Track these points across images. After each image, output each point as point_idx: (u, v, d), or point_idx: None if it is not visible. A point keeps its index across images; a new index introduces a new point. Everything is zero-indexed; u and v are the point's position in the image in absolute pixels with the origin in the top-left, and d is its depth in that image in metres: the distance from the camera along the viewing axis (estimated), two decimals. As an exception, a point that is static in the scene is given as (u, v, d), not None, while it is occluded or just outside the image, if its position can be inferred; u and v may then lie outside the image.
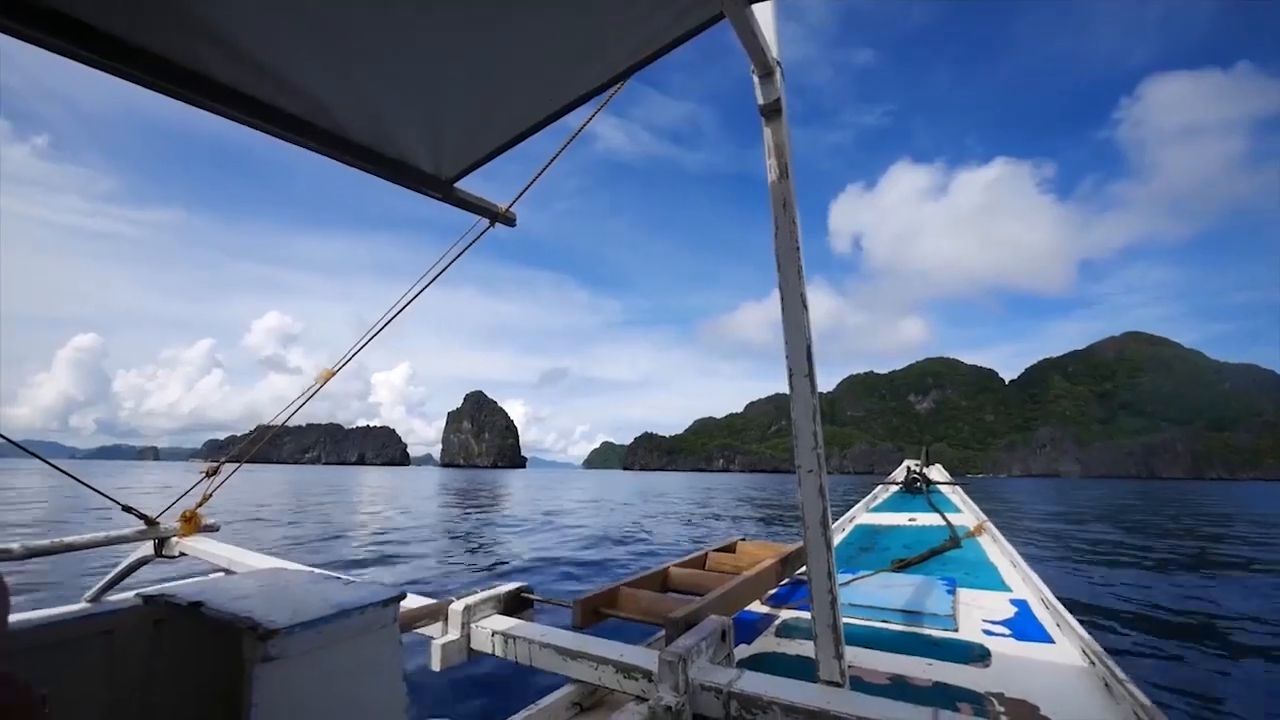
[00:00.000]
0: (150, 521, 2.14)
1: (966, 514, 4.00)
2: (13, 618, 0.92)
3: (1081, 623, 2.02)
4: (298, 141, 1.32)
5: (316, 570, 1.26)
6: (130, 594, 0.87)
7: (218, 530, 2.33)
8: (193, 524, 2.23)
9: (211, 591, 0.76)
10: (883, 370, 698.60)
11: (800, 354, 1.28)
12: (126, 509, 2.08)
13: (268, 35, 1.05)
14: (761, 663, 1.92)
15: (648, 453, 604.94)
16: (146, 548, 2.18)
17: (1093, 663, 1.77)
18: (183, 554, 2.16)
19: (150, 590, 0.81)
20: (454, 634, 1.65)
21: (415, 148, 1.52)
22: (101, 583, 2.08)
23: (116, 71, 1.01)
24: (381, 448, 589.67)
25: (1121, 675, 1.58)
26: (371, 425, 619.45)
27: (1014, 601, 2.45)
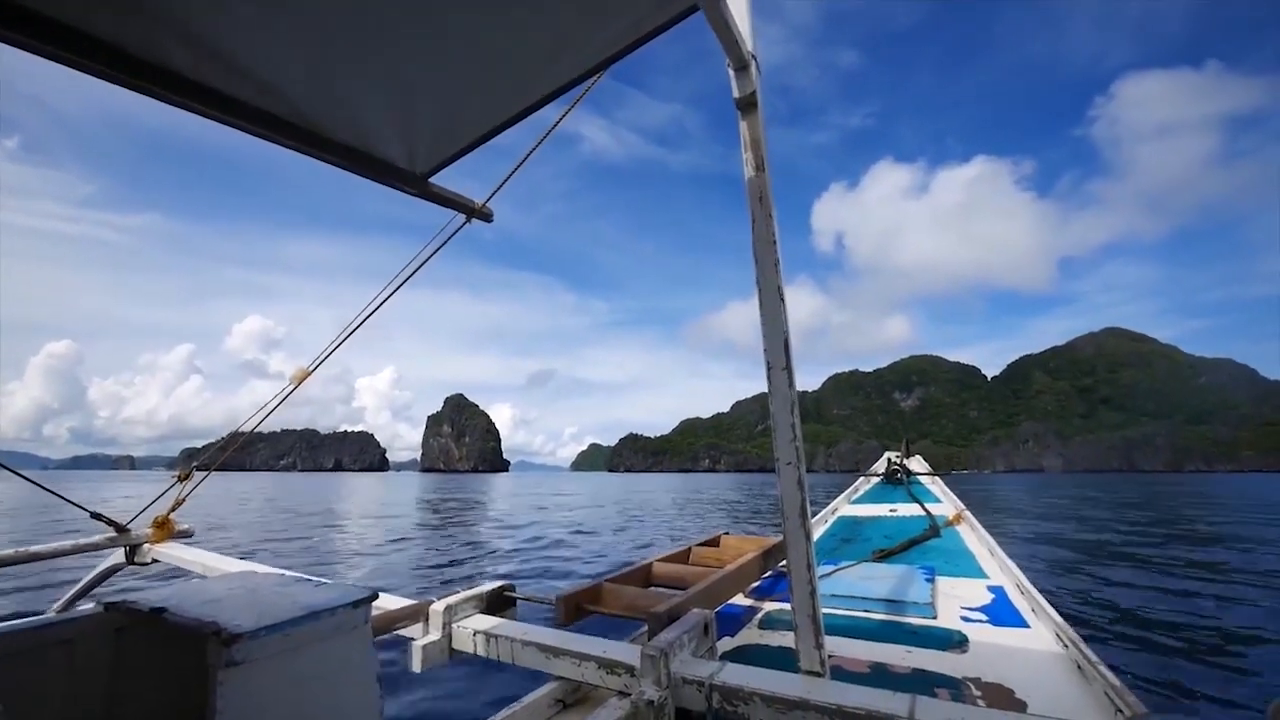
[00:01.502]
0: (121, 528, 2.08)
1: (946, 504, 4.06)
2: None
3: (1056, 607, 2.06)
4: (268, 137, 1.31)
5: (288, 573, 1.23)
6: (92, 603, 0.84)
7: (192, 535, 2.27)
8: (165, 530, 2.17)
9: (176, 597, 0.74)
10: (867, 369, 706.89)
11: (778, 347, 1.28)
12: (95, 516, 2.01)
13: (237, 30, 1.05)
14: (744, 655, 1.92)
15: (633, 454, 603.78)
16: (118, 555, 2.12)
17: (1066, 646, 1.81)
18: (155, 560, 2.10)
19: (112, 598, 0.78)
20: (435, 635, 1.63)
21: (389, 142, 1.51)
22: (70, 593, 2.02)
23: (87, 69, 1.00)
24: (359, 453, 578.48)
25: (1094, 658, 1.61)
26: (349, 430, 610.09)
27: (991, 588, 2.50)
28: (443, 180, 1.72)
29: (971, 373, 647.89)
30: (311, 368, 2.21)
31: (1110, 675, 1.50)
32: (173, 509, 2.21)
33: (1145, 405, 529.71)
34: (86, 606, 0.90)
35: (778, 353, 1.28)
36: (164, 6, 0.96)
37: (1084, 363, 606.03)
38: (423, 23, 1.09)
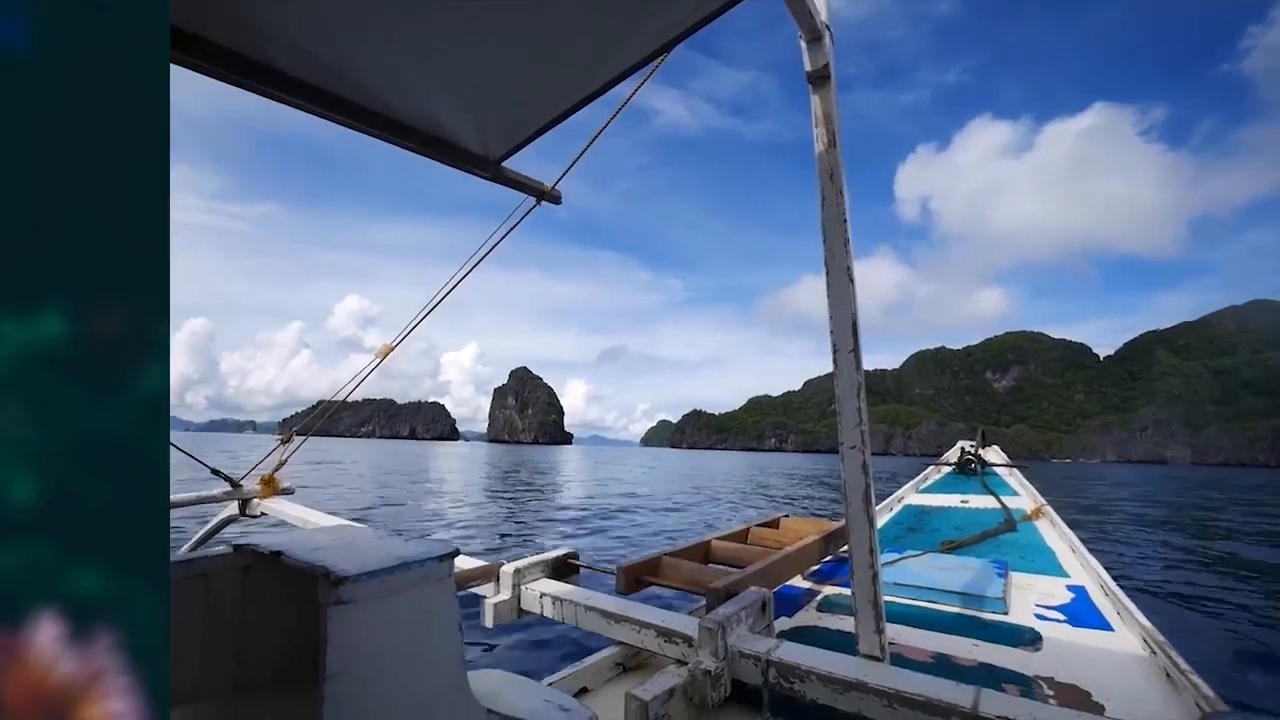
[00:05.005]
0: (235, 484, 2.40)
1: (1024, 497, 3.73)
2: None
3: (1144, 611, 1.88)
4: (357, 127, 1.44)
5: (379, 530, 1.36)
6: (221, 545, 0.99)
7: (293, 493, 2.57)
8: (271, 486, 2.48)
9: (290, 543, 0.83)
10: (956, 346, 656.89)
11: (845, 329, 1.28)
12: (215, 472, 2.33)
13: (330, 33, 1.17)
14: (801, 635, 1.91)
15: (696, 430, 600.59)
16: (232, 507, 2.45)
17: (1154, 652, 1.67)
18: (263, 513, 2.41)
19: (238, 541, 0.91)
20: (505, 594, 1.75)
21: (462, 129, 1.60)
22: (196, 536, 2.37)
23: (195, 67, 1.15)
24: (431, 422, 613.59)
25: (1185, 666, 1.48)
26: (423, 401, 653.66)
27: (1071, 587, 2.32)
28: (513, 160, 1.79)
29: (1079, 351, 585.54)
30: (394, 344, 2.39)
31: (1204, 685, 1.37)
32: (276, 469, 2.53)
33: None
34: (215, 548, 1.06)
35: (845, 335, 1.28)
36: (267, 15, 1.12)
37: (1222, 340, 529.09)
38: (492, 9, 1.13)
